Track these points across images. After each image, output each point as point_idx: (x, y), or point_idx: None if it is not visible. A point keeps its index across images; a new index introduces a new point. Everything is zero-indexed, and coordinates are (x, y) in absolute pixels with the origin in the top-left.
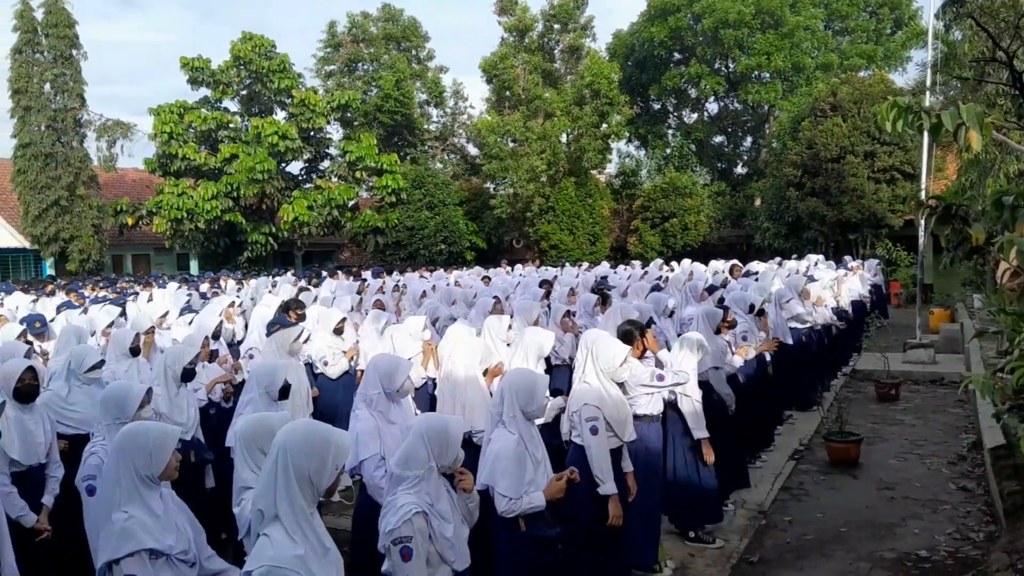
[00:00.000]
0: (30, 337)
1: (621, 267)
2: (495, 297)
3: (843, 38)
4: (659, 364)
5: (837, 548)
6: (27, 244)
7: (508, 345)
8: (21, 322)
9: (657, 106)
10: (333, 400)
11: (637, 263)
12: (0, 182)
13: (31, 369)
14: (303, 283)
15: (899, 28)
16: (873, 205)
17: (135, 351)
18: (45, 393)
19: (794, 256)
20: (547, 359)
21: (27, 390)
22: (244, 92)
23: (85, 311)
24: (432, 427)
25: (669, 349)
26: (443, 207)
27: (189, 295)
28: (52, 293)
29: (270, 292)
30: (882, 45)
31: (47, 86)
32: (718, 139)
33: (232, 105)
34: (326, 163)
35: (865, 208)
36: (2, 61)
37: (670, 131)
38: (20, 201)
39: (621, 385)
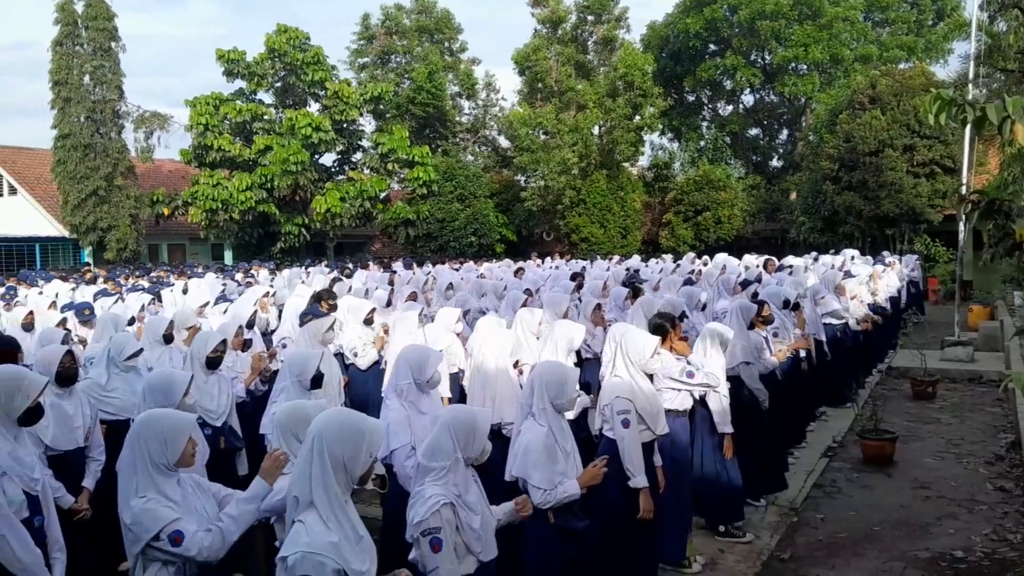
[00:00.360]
0: (68, 324)
1: (652, 261)
2: (527, 290)
3: (883, 29)
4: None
5: (870, 547)
6: (66, 233)
7: (538, 338)
8: (64, 309)
9: (691, 98)
10: (364, 390)
11: (668, 257)
12: (41, 172)
13: (70, 353)
14: (336, 274)
15: (941, 19)
16: (912, 200)
17: (168, 338)
18: (84, 380)
19: (831, 251)
20: (578, 352)
21: (68, 374)
22: (278, 84)
23: (121, 299)
24: (459, 419)
25: None
26: (474, 199)
27: (224, 284)
28: (92, 280)
29: (303, 283)
30: (923, 37)
31: (87, 78)
32: (753, 132)
33: (267, 97)
34: (358, 155)
35: (903, 203)
36: (43, 53)
37: (704, 123)
38: (60, 191)
39: (650, 378)
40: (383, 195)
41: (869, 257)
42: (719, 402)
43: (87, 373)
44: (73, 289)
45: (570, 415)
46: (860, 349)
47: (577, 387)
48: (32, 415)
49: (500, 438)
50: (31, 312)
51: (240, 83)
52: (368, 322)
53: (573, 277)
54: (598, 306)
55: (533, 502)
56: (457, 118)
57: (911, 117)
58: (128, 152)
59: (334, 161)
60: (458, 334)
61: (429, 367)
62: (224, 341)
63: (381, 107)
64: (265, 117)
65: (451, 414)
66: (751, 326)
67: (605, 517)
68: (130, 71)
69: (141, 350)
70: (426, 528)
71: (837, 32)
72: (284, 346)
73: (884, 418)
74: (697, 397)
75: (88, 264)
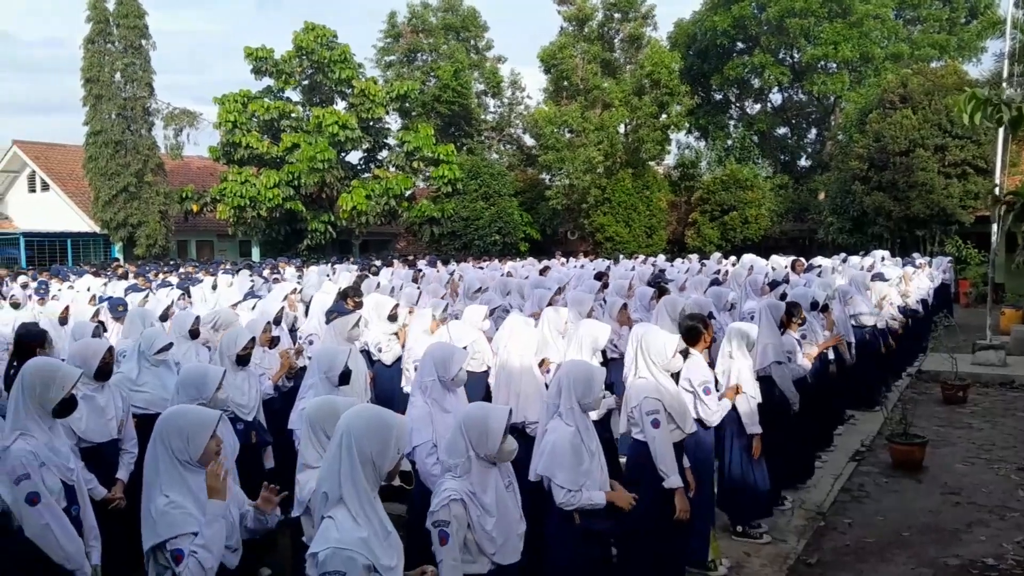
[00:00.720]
0: (101, 317)
1: (679, 260)
2: (558, 288)
3: (914, 27)
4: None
5: (898, 553)
6: (97, 229)
7: (563, 337)
8: (99, 302)
9: (719, 96)
10: (390, 386)
11: (694, 257)
12: (73, 168)
13: (111, 349)
14: (364, 271)
15: (974, 17)
16: (943, 200)
17: (194, 334)
18: (116, 374)
19: (861, 253)
20: (603, 352)
21: (107, 368)
22: (306, 82)
23: (152, 292)
24: (470, 417)
25: None
26: (498, 198)
27: (252, 281)
28: (125, 276)
29: (329, 279)
30: (956, 35)
31: (118, 75)
32: (781, 131)
33: (294, 95)
34: (384, 153)
35: (934, 204)
36: (76, 50)
37: (732, 122)
38: (91, 187)
39: (675, 377)
40: (408, 193)
41: (898, 259)
42: (747, 403)
43: (119, 368)
44: (105, 284)
45: (595, 415)
46: (889, 352)
47: (603, 387)
48: (66, 407)
49: (524, 437)
50: (67, 307)
51: (268, 81)
52: (392, 318)
53: (598, 276)
54: (624, 305)
55: (555, 501)
56: (482, 116)
57: (943, 116)
58: (158, 149)
59: (360, 159)
60: (483, 332)
61: (454, 365)
62: (253, 339)
63: (407, 105)
64: (292, 115)
65: (465, 412)
66: (783, 328)
67: (634, 519)
68: (160, 68)
69: (171, 344)
70: (436, 520)
71: (867, 30)
72: (311, 342)
73: (914, 422)
74: (697, 411)
75: (117, 260)
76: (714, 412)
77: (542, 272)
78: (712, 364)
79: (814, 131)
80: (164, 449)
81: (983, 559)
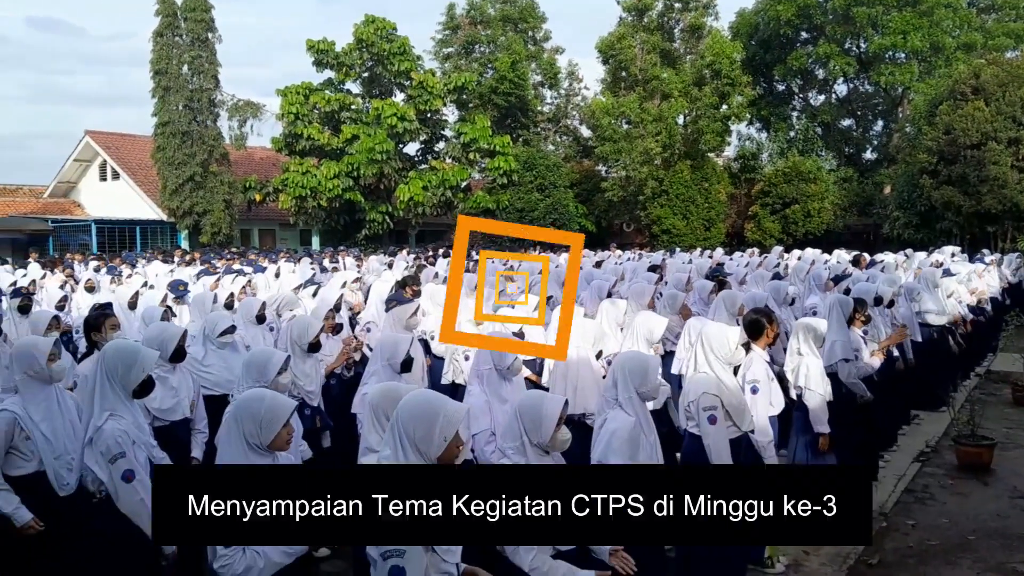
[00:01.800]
0: (168, 302)
1: (737, 253)
2: (617, 279)
3: (988, 16)
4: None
5: (964, 556)
6: (164, 216)
7: (622, 330)
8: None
9: (781, 87)
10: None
11: (755, 250)
12: (142, 158)
13: (186, 333)
14: (423, 260)
15: None
16: (1016, 196)
17: (261, 319)
18: None
19: (931, 248)
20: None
21: (182, 352)
22: (366, 74)
23: (223, 275)
24: (525, 403)
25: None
26: (553, 189)
27: (313, 269)
28: (192, 262)
29: (388, 269)
30: None
31: (185, 68)
32: (846, 122)
33: (354, 87)
34: (441, 144)
35: (1007, 199)
36: (145, 43)
37: (795, 113)
38: (159, 176)
39: (734, 371)
40: (464, 184)
41: (965, 255)
42: (816, 400)
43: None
44: (171, 271)
45: (652, 405)
46: (960, 351)
47: (660, 376)
48: (146, 387)
49: (581, 429)
50: (137, 292)
51: (329, 73)
52: None
53: (651, 269)
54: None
55: None
56: (539, 107)
57: (1017, 108)
58: (223, 139)
59: (417, 150)
60: None
61: (508, 353)
62: (323, 327)
63: (464, 97)
64: (352, 107)
65: (521, 398)
66: (849, 323)
67: None
68: (225, 61)
69: (234, 327)
70: None
71: (938, 19)
72: (368, 330)
73: (981, 424)
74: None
75: (180, 247)
76: (759, 415)
77: (596, 266)
78: (772, 360)
79: (880, 123)
80: (237, 429)
81: None
